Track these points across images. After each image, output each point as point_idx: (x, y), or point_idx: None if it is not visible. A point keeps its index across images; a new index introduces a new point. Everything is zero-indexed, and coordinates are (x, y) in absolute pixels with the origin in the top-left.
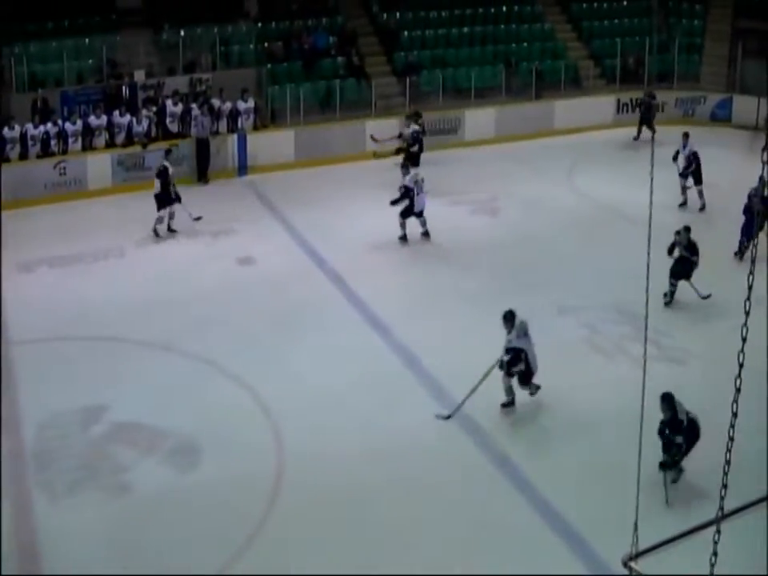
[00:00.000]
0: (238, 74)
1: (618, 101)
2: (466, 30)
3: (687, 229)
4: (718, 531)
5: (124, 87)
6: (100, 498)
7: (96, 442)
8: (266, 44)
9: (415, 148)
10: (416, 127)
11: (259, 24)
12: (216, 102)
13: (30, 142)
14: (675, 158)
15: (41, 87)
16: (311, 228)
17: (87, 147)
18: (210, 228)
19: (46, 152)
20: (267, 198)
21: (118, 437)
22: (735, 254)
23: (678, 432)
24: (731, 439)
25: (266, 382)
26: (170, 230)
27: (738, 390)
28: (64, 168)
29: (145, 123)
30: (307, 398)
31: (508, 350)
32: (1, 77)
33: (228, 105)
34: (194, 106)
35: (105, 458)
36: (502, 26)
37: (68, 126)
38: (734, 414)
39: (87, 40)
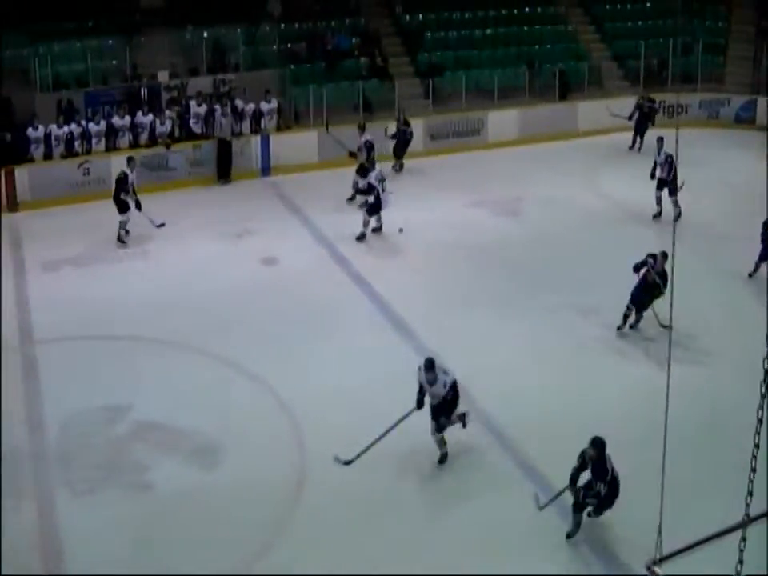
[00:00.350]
0: (260, 75)
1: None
2: (489, 31)
3: (665, 255)
4: (744, 539)
5: (143, 89)
6: (122, 497)
7: (118, 441)
8: (288, 45)
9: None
10: (368, 137)
11: (282, 25)
12: (239, 103)
13: (54, 142)
14: (653, 174)
15: (64, 88)
16: (333, 229)
17: (111, 148)
18: (233, 228)
19: (70, 152)
20: (290, 198)
21: (140, 436)
22: (749, 274)
23: (602, 480)
24: (756, 446)
25: (288, 382)
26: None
27: (764, 396)
28: (88, 168)
29: (168, 124)
30: (329, 398)
31: (439, 403)
32: (25, 77)
33: (251, 106)
34: (217, 106)
35: (127, 457)
36: (525, 28)
37: (92, 126)
38: (759, 421)
39: (111, 41)
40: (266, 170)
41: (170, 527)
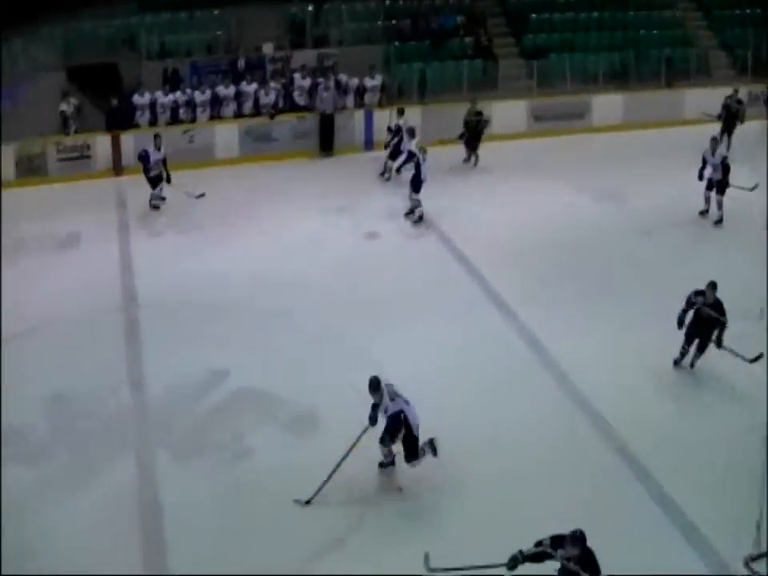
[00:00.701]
0: (365, 51)
1: (750, 92)
2: (595, 14)
3: (714, 286)
4: None
5: (239, 61)
6: (219, 463)
7: (218, 407)
8: (393, 21)
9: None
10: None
11: (387, 1)
12: (343, 77)
13: (159, 110)
14: (701, 175)
15: (170, 57)
16: (437, 206)
17: (215, 117)
18: (335, 202)
19: (175, 120)
20: (393, 174)
21: (240, 403)
22: None
23: (586, 569)
24: None
25: (388, 358)
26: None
27: None
28: (192, 136)
29: (273, 95)
30: (429, 378)
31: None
32: (132, 45)
33: (355, 80)
34: (321, 80)
35: (226, 423)
36: (632, 12)
37: (197, 95)
38: None
39: (217, 11)
40: (368, 144)
41: (263, 495)
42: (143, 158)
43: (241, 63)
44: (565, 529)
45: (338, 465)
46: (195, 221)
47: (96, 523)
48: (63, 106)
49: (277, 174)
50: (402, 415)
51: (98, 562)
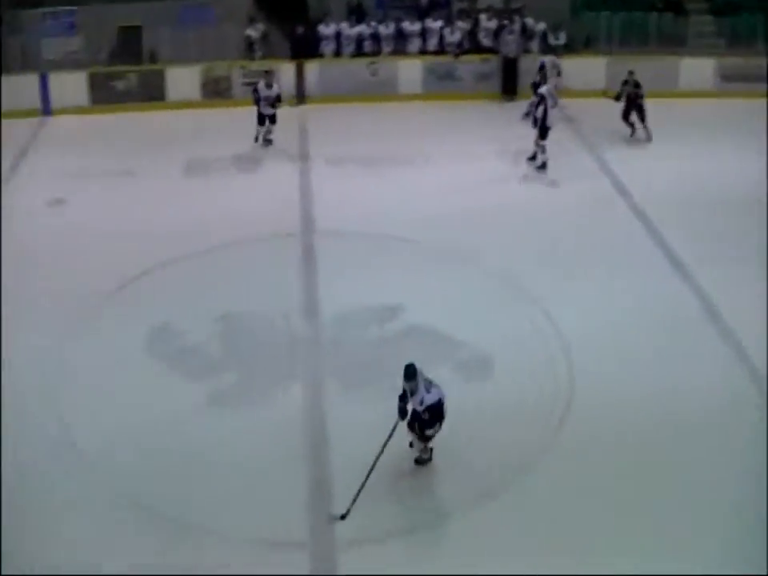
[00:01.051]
0: None
1: None
2: None
3: None
4: None
5: None
6: (387, 397)
7: (389, 341)
8: None
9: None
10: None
11: None
12: (529, 21)
13: (344, 41)
14: None
15: None
16: (619, 159)
17: (400, 52)
18: (516, 146)
19: (359, 52)
20: (575, 123)
21: (411, 339)
22: None
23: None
24: None
25: (563, 309)
26: (266, 140)
27: None
28: (376, 69)
29: (458, 34)
30: (602, 333)
31: (423, 412)
32: None
33: (542, 25)
34: (506, 23)
35: (396, 358)
36: None
37: (381, 28)
38: None
39: None
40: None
41: None
42: (254, 92)
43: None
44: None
45: (372, 467)
46: (374, 154)
47: (261, 444)
48: (250, 31)
49: (458, 113)
50: (444, 404)
51: (262, 480)
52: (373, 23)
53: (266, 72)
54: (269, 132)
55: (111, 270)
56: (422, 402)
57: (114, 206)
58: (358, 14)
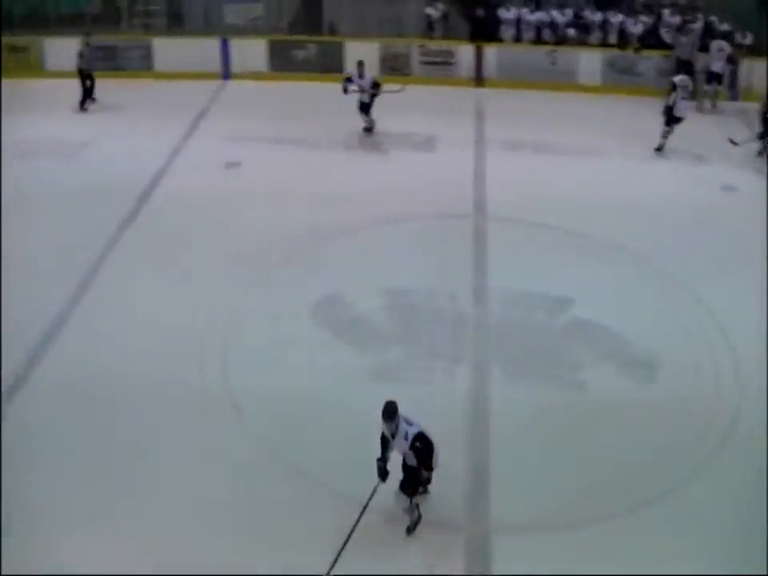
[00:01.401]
0: None
1: None
2: None
3: None
4: None
5: None
6: (551, 389)
7: (557, 333)
8: None
9: None
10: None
11: None
12: (714, 20)
13: (523, 27)
14: None
15: None
16: None
17: (580, 42)
18: (700, 147)
19: (538, 39)
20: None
21: (580, 333)
22: None
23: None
24: None
25: (724, 306)
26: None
27: None
28: (556, 58)
29: (640, 26)
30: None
31: (413, 443)
32: None
33: (725, 25)
34: (689, 18)
35: (563, 350)
36: None
37: (557, 15)
38: None
39: None
40: (734, 96)
41: (589, 428)
42: (345, 82)
43: None
44: None
45: (352, 531)
46: (550, 141)
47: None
48: (430, 10)
49: (637, 107)
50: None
51: None
52: (552, 11)
53: (358, 63)
54: (370, 121)
55: (281, 236)
56: (406, 437)
57: (286, 172)
58: (537, 1)
